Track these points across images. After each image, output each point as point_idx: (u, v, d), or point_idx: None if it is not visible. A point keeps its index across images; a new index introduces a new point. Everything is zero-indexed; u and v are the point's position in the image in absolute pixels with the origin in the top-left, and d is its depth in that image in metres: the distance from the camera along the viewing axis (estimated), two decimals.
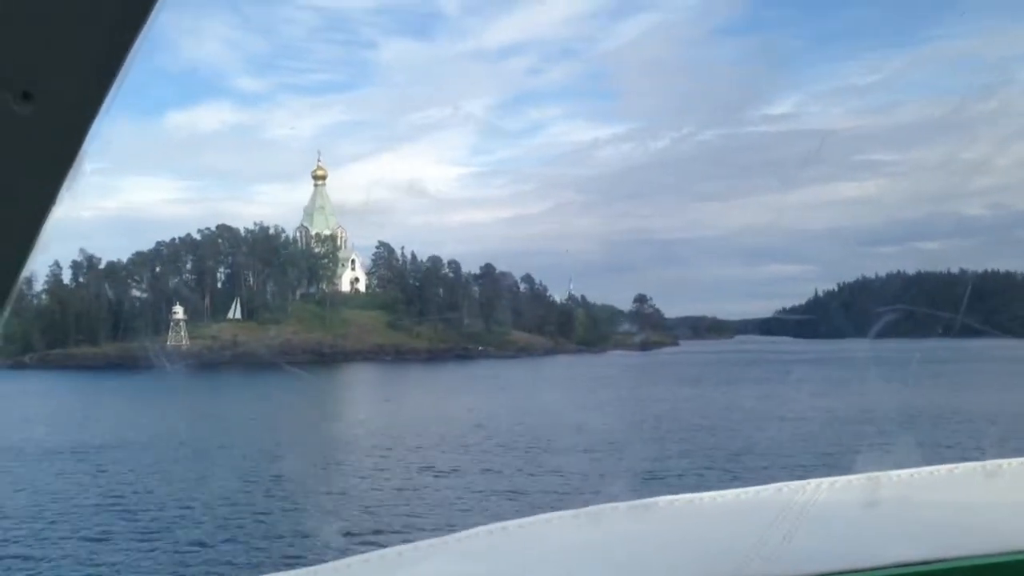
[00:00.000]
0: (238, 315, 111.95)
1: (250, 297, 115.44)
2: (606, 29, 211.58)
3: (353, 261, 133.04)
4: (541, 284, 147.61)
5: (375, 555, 1.71)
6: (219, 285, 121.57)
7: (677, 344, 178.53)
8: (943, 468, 1.93)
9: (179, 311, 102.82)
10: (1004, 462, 1.97)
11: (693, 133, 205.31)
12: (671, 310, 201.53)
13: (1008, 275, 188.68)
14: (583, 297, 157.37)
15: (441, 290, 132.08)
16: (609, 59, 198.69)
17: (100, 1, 0.97)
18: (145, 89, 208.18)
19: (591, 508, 1.82)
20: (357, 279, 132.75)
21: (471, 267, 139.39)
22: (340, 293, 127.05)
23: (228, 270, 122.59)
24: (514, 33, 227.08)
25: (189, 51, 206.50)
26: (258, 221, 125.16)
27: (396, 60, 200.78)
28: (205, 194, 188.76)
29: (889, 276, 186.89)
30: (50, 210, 1.12)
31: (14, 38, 0.97)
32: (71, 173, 1.09)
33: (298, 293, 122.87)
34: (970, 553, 1.63)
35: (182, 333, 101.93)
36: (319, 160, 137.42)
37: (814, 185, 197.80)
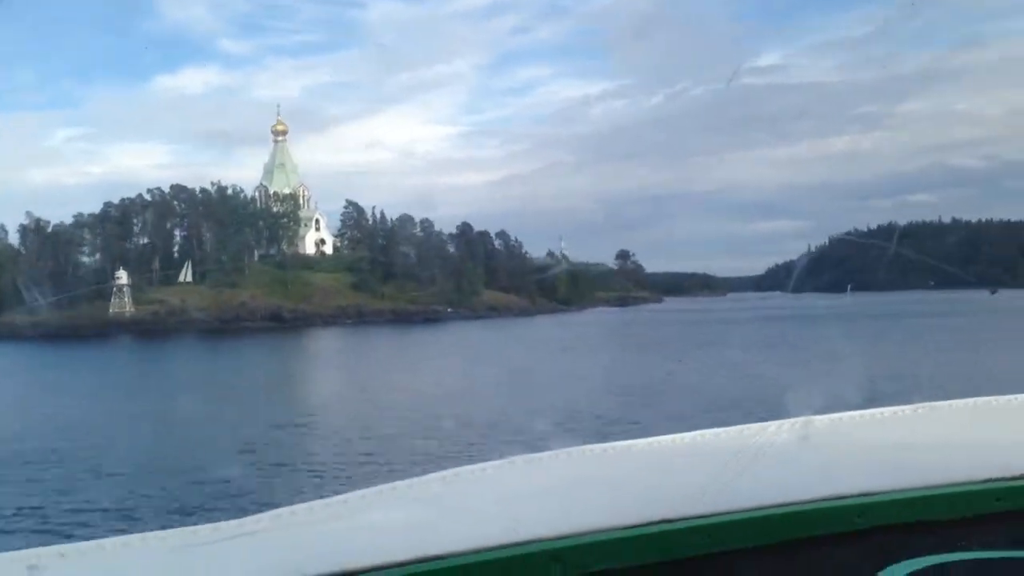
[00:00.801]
0: (189, 278, 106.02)
1: (203, 260, 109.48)
2: None
3: (317, 221, 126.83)
4: (517, 241, 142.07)
5: (319, 503, 1.68)
6: (175, 248, 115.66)
7: (660, 301, 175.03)
8: (887, 409, 2.02)
9: (122, 276, 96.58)
10: (967, 401, 2.07)
11: (686, 89, 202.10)
12: (664, 267, 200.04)
13: (1002, 224, 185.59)
14: (563, 254, 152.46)
15: (412, 250, 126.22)
16: (599, 16, 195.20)
17: None
18: (130, 54, 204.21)
19: (546, 453, 1.81)
20: (323, 240, 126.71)
21: (457, 228, 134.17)
22: (303, 255, 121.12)
23: (183, 232, 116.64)
24: None
25: (173, 15, 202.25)
26: (215, 180, 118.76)
27: (383, 20, 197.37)
28: (192, 158, 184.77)
29: (880, 228, 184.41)
30: None
31: None
32: None
33: (256, 255, 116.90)
34: (905, 486, 1.72)
35: (126, 299, 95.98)
36: (279, 115, 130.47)
37: (806, 139, 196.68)
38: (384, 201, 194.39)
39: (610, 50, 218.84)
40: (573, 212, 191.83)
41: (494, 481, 1.75)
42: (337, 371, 59.65)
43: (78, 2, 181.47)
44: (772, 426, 1.91)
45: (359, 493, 1.64)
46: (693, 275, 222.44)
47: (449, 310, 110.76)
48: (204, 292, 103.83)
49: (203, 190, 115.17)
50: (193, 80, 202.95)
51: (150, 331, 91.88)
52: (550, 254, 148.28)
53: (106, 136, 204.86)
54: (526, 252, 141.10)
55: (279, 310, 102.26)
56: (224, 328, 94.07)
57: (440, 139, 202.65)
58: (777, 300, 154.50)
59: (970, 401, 2.05)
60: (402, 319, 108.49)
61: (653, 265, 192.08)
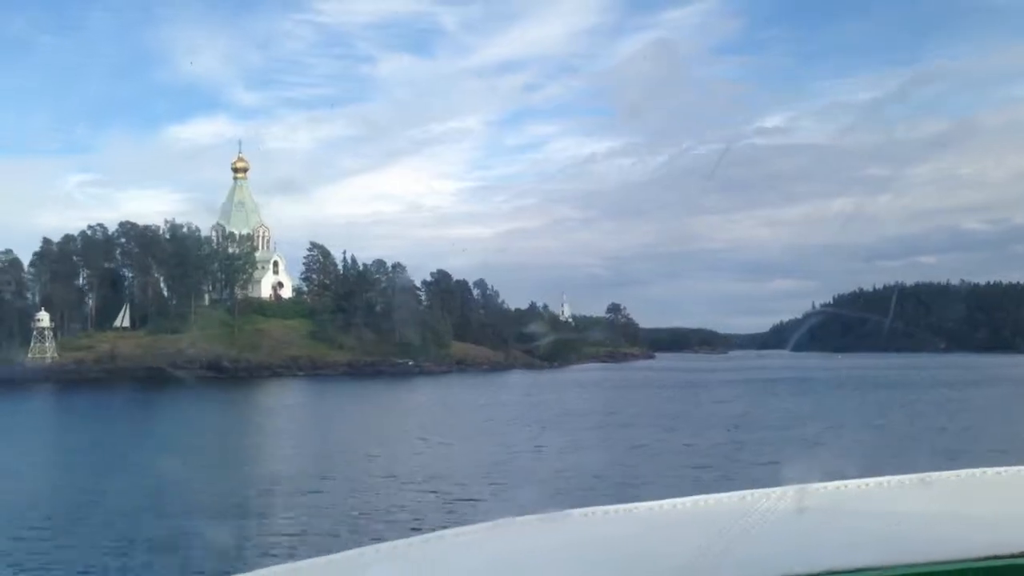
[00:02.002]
0: (127, 323, 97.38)
1: (146, 303, 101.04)
2: (605, 46, 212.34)
3: (276, 263, 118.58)
4: (494, 291, 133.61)
5: (305, 564, 1.62)
6: (124, 290, 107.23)
7: (652, 357, 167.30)
8: (882, 479, 1.93)
9: (43, 318, 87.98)
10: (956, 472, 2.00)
11: (691, 148, 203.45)
12: (668, 322, 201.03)
13: (1011, 288, 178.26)
14: (545, 306, 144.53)
15: (378, 297, 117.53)
16: (608, 76, 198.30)
17: None
18: (144, 103, 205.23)
19: (538, 515, 1.73)
20: (280, 284, 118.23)
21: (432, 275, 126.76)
22: (258, 300, 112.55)
23: (131, 273, 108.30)
24: (513, 49, 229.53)
25: (188, 66, 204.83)
26: (169, 218, 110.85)
27: (395, 75, 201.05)
28: (204, 206, 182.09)
29: (886, 288, 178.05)
30: None
31: None
32: None
33: (207, 299, 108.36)
34: (899, 562, 1.69)
35: (47, 344, 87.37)
36: (240, 152, 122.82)
37: (812, 200, 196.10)
38: (390, 253, 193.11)
39: (617, 109, 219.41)
40: (578, 268, 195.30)
41: (485, 544, 1.69)
42: (247, 432, 51.09)
43: (94, 50, 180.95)
44: (774, 493, 1.81)
45: (346, 554, 1.60)
46: (697, 331, 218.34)
47: (411, 363, 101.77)
48: (141, 338, 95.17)
49: (150, 227, 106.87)
50: (205, 130, 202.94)
51: (72, 381, 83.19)
52: (532, 306, 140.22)
53: (118, 182, 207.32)
54: (503, 302, 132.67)
55: (219, 359, 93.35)
56: (154, 378, 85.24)
57: (449, 193, 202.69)
58: (773, 360, 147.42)
59: (964, 472, 1.94)
60: (358, 372, 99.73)
61: (657, 321, 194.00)
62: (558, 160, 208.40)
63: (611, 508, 1.75)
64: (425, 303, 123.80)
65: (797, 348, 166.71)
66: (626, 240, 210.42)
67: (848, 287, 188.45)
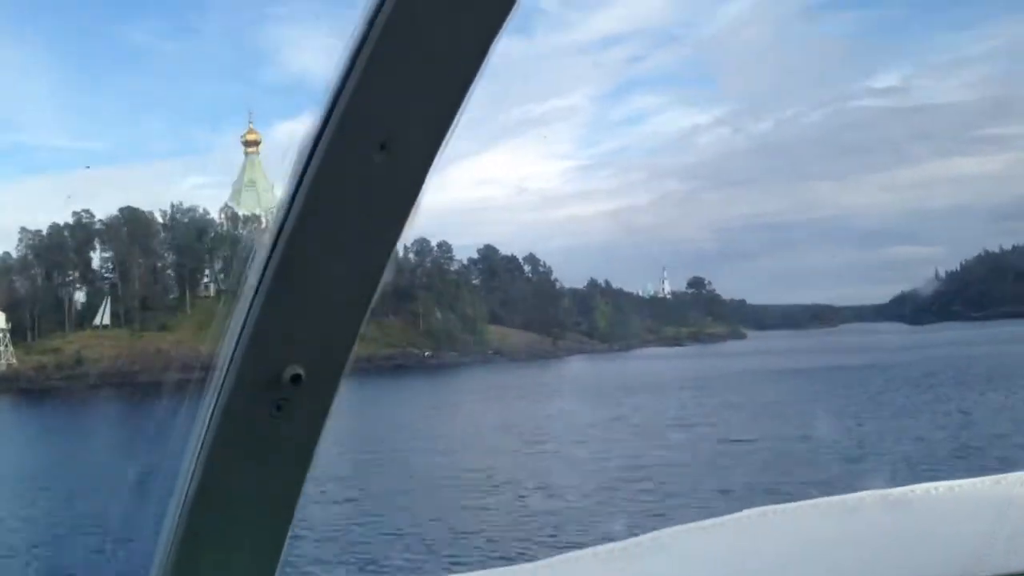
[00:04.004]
0: (106, 320, 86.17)
1: (130, 297, 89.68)
2: (705, 13, 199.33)
3: None
4: (546, 266, 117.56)
5: (602, 549, 1.78)
6: (114, 284, 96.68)
7: (743, 337, 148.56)
8: None
9: None
10: None
11: (801, 113, 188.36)
12: (777, 298, 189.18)
13: None
14: (607, 282, 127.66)
15: (410, 279, 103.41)
16: (710, 43, 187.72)
17: (445, 53, 1.20)
18: (254, 103, 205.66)
19: (795, 504, 1.77)
20: None
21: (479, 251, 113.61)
22: None
23: (136, 264, 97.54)
24: (614, 23, 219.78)
25: (293, 63, 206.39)
26: (176, 203, 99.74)
27: (496, 56, 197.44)
28: None
29: (1015, 248, 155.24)
30: (394, 246, 1.30)
31: (376, 98, 1.21)
32: (414, 211, 1.27)
33: (214, 290, 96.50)
34: None
35: (3, 348, 76.75)
36: (250, 122, 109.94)
37: (931, 161, 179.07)
38: (493, 240, 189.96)
39: (722, 77, 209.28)
40: (684, 243, 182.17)
41: (742, 535, 1.67)
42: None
43: (208, 53, 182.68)
44: None
45: (671, 530, 1.70)
46: (808, 307, 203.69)
47: (427, 354, 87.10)
48: (121, 337, 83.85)
49: (162, 212, 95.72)
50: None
51: (26, 390, 72.28)
52: (592, 282, 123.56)
53: (232, 184, 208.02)
54: (555, 280, 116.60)
55: (207, 359, 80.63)
56: (122, 384, 73.53)
57: (555, 173, 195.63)
58: (884, 336, 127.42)
59: None
60: (376, 367, 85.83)
61: (765, 297, 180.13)
62: (663, 133, 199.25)
63: (888, 492, 1.63)
64: (470, 284, 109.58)
65: (916, 321, 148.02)
66: (734, 212, 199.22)
67: (974, 251, 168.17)
